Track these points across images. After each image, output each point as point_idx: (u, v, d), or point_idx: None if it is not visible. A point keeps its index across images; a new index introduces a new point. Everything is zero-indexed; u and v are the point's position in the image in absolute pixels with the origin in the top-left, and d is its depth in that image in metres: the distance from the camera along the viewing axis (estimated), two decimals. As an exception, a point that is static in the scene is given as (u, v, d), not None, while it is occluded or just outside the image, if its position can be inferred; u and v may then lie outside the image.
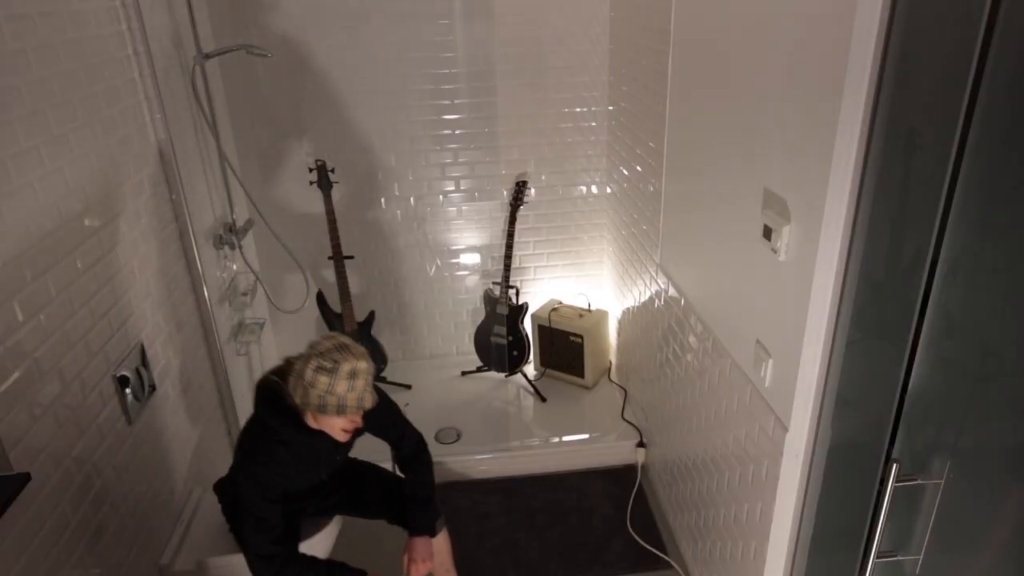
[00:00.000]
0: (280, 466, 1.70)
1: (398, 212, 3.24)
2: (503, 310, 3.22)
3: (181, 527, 2.12)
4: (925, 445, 1.16)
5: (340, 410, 1.59)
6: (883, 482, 1.16)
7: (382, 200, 3.21)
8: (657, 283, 2.47)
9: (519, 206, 3.16)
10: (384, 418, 1.90)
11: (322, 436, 1.72)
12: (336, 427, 1.66)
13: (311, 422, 1.70)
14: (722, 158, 1.74)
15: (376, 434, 1.92)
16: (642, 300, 2.73)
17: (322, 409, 1.59)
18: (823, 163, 1.25)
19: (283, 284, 3.31)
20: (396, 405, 1.96)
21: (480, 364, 3.43)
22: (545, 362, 3.38)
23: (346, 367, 1.57)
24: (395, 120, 3.05)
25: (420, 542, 1.90)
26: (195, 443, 2.33)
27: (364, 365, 1.60)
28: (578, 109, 3.10)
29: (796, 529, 1.61)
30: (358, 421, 1.67)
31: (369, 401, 1.62)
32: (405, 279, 3.39)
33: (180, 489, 2.19)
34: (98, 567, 1.68)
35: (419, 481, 1.94)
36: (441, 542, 1.96)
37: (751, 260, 1.60)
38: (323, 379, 1.57)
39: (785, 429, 1.49)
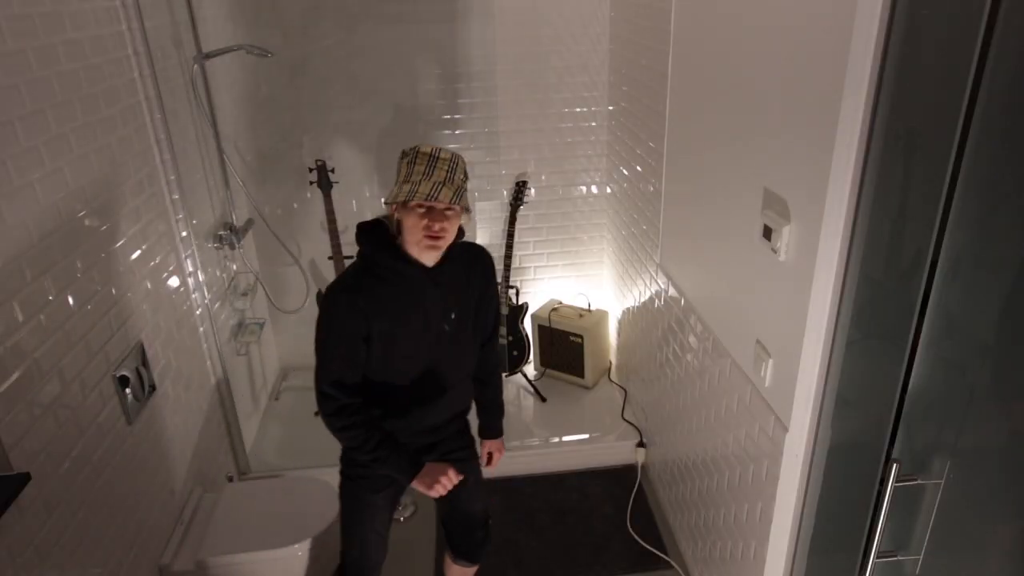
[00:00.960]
0: (369, 294, 1.55)
1: (398, 212, 3.24)
2: (503, 310, 3.22)
3: (181, 527, 2.12)
4: (925, 445, 1.16)
5: (411, 194, 1.45)
6: (883, 482, 1.16)
7: (382, 200, 3.21)
8: (657, 283, 2.47)
9: (519, 206, 3.16)
10: (487, 292, 1.75)
11: (418, 267, 1.57)
12: (417, 229, 1.49)
13: (405, 245, 1.56)
14: (722, 158, 1.74)
15: (475, 303, 1.73)
16: (642, 300, 2.73)
17: (398, 198, 1.47)
18: (823, 163, 1.25)
19: (283, 284, 3.30)
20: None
21: (480, 364, 3.43)
22: (545, 362, 3.38)
23: (425, 149, 1.49)
24: (395, 120, 3.05)
25: (498, 444, 2.01)
26: (195, 443, 2.33)
27: (447, 155, 1.50)
28: (578, 109, 3.10)
29: (796, 529, 1.61)
30: (438, 226, 1.48)
31: (445, 195, 1.45)
32: (405, 279, 3.39)
33: (180, 489, 2.19)
34: (98, 567, 1.68)
35: (497, 388, 1.95)
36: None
37: (751, 260, 1.60)
38: (403, 164, 1.50)
39: (785, 429, 1.49)
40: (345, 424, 1.59)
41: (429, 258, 1.58)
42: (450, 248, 1.60)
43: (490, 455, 2.01)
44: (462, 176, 1.52)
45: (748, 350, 1.66)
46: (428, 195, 1.44)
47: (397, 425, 1.72)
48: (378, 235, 1.59)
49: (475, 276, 1.70)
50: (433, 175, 1.47)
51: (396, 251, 1.57)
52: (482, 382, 1.90)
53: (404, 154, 1.51)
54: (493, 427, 1.99)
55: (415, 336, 1.63)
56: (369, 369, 1.63)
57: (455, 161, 1.51)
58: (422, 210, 1.49)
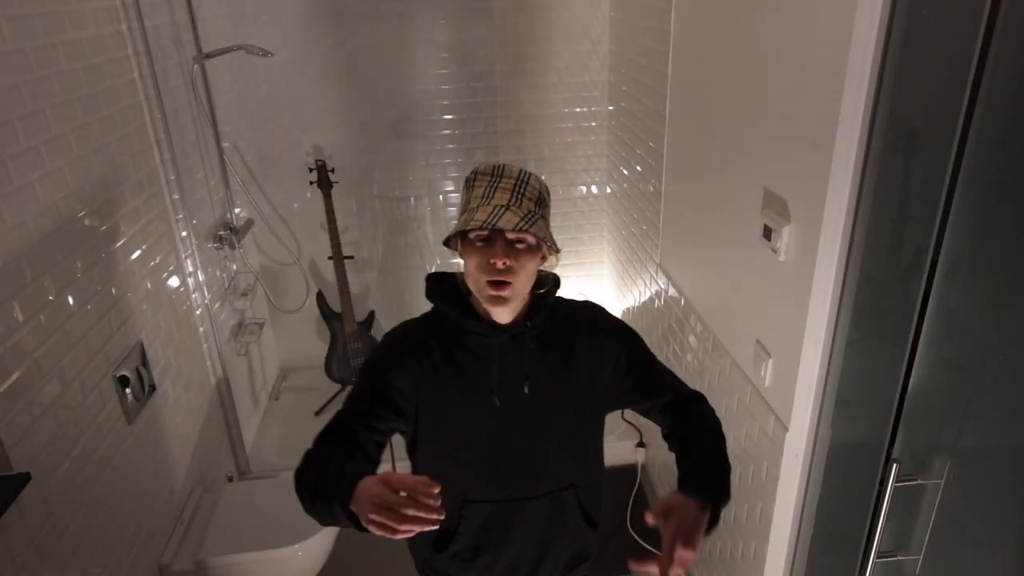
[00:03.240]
0: (425, 351, 1.20)
1: (398, 212, 3.24)
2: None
3: (181, 527, 2.12)
4: (925, 445, 1.16)
5: (466, 223, 1.08)
6: (883, 482, 1.16)
7: (382, 200, 3.21)
8: (657, 283, 2.47)
9: (519, 206, 3.16)
10: (622, 356, 1.24)
11: (486, 323, 1.18)
12: (478, 270, 1.10)
13: (475, 301, 1.19)
14: (722, 158, 1.74)
15: (586, 379, 1.22)
16: (642, 300, 2.73)
17: (453, 234, 1.14)
18: (823, 163, 1.25)
19: (283, 284, 3.30)
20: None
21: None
22: (545, 362, 3.37)
23: (486, 168, 1.14)
24: (395, 120, 3.05)
25: (693, 517, 1.01)
26: (195, 443, 2.33)
27: (513, 171, 1.13)
28: (578, 109, 3.10)
29: (796, 529, 1.61)
30: (501, 262, 1.07)
31: (509, 220, 1.06)
32: (405, 279, 3.39)
33: (180, 489, 2.19)
34: (98, 567, 1.68)
35: (709, 440, 1.20)
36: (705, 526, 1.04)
37: (751, 260, 1.60)
38: (463, 192, 1.17)
39: (785, 429, 1.49)
40: (310, 448, 1.12)
41: (499, 311, 1.16)
42: (537, 300, 1.21)
43: (674, 541, 0.97)
44: (536, 199, 1.12)
45: (748, 350, 1.66)
46: (486, 221, 1.06)
47: (466, 571, 1.28)
48: (448, 288, 1.22)
49: (582, 342, 1.23)
50: (494, 197, 1.10)
51: (465, 306, 1.19)
52: (677, 439, 1.22)
53: (466, 180, 1.17)
54: (696, 479, 1.11)
55: (467, 416, 1.19)
56: (427, 464, 1.25)
57: (524, 180, 1.12)
58: (481, 243, 1.10)
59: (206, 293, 2.46)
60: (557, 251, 1.16)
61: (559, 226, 3.34)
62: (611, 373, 1.24)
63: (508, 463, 1.22)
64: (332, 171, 2.95)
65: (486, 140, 3.13)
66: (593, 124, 3.13)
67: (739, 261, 1.68)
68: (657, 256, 2.44)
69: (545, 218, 1.14)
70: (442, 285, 1.23)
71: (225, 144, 2.84)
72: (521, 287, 1.12)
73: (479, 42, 2.95)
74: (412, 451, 1.26)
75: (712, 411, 1.26)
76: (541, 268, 1.18)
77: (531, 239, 1.10)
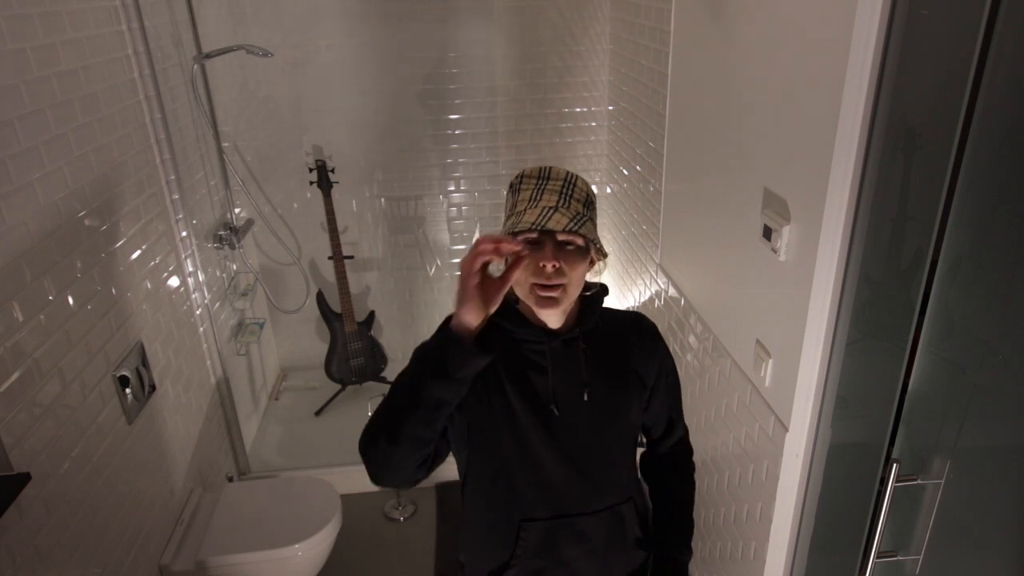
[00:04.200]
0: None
1: (398, 212, 3.24)
2: (503, 310, 3.22)
3: (181, 527, 2.12)
4: (925, 445, 1.16)
5: (514, 226, 1.05)
6: (883, 482, 1.16)
7: (382, 200, 3.21)
8: (657, 283, 2.47)
9: (519, 206, 3.16)
10: (663, 375, 1.26)
11: (538, 329, 1.15)
12: (525, 281, 1.07)
13: (524, 308, 1.16)
14: (722, 158, 1.74)
15: (633, 392, 1.22)
16: (642, 300, 2.73)
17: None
18: (823, 163, 1.25)
19: (283, 284, 3.31)
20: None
21: (480, 364, 3.42)
22: (545, 362, 3.37)
23: (532, 171, 1.12)
24: (395, 120, 3.05)
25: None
26: (195, 443, 2.33)
27: (561, 173, 1.11)
28: (578, 109, 3.10)
29: (796, 529, 1.61)
30: (551, 265, 1.04)
31: (558, 221, 1.04)
32: (405, 279, 3.39)
33: (180, 489, 2.19)
34: (98, 567, 1.68)
35: (683, 494, 1.34)
36: None
37: (751, 260, 1.60)
38: (507, 196, 1.15)
39: (785, 429, 1.49)
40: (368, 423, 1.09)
41: (550, 314, 1.13)
42: (587, 305, 1.19)
43: None
44: (584, 200, 1.11)
45: (748, 350, 1.66)
46: (535, 223, 1.04)
47: None
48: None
49: (637, 350, 1.23)
50: (542, 200, 1.08)
51: (515, 315, 1.16)
52: (660, 477, 1.34)
53: (510, 185, 1.15)
54: (664, 539, 1.28)
55: (526, 425, 1.15)
56: (485, 494, 1.22)
57: (571, 181, 1.11)
58: (529, 246, 1.06)
59: (206, 293, 2.46)
60: (605, 255, 1.14)
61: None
62: (648, 390, 1.24)
63: (567, 476, 1.18)
64: (332, 171, 2.95)
65: (486, 140, 3.13)
66: (593, 124, 3.13)
67: (739, 261, 1.68)
68: (657, 256, 2.44)
69: (593, 220, 1.12)
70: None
71: (225, 144, 2.84)
72: (573, 289, 1.09)
73: (479, 42, 2.95)
74: (465, 471, 1.22)
75: (693, 469, 1.38)
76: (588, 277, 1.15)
77: (580, 241, 1.08)
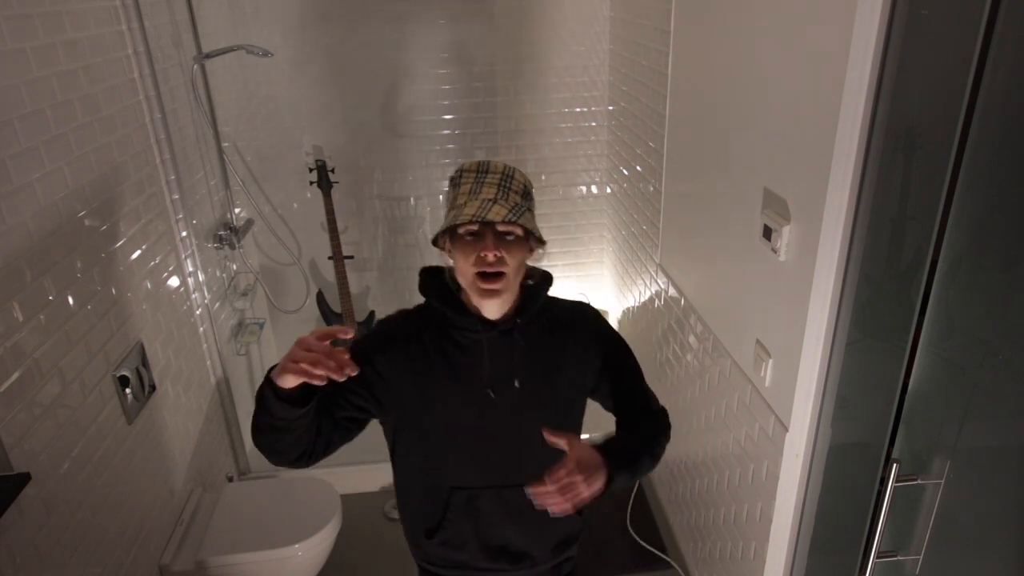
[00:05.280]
0: (408, 348, 1.23)
1: (398, 212, 3.24)
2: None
3: (181, 527, 2.12)
4: (925, 445, 1.16)
5: (455, 219, 1.10)
6: (883, 482, 1.16)
7: (382, 200, 3.21)
8: (657, 283, 2.47)
9: (519, 206, 3.16)
10: (611, 351, 1.29)
11: (476, 319, 1.20)
12: (468, 265, 1.12)
13: (465, 297, 1.22)
14: (722, 158, 1.74)
15: (572, 378, 1.27)
16: (642, 300, 2.73)
17: (446, 232, 1.15)
18: (823, 163, 1.25)
19: (283, 284, 3.30)
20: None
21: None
22: (545, 362, 3.37)
23: (471, 165, 1.17)
24: (395, 120, 3.05)
25: (594, 460, 1.08)
26: (195, 443, 2.33)
27: (499, 167, 1.16)
28: (578, 109, 3.10)
29: (796, 529, 1.61)
30: (492, 255, 1.10)
31: (497, 212, 1.09)
32: (405, 279, 3.39)
33: (180, 489, 2.19)
34: (98, 567, 1.68)
35: (649, 430, 1.27)
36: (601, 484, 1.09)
37: (751, 260, 1.60)
38: (448, 191, 1.19)
39: (785, 429, 1.49)
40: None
41: (489, 307, 1.19)
42: (528, 295, 1.24)
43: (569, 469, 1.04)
44: (522, 192, 1.16)
45: (748, 350, 1.66)
46: (475, 215, 1.08)
47: (457, 556, 1.31)
48: (439, 283, 1.25)
49: (572, 341, 1.27)
50: (481, 192, 1.12)
51: (455, 302, 1.22)
52: (632, 423, 1.31)
53: (450, 179, 1.20)
54: (610, 445, 1.17)
55: (456, 407, 1.22)
56: (418, 463, 1.29)
57: (509, 174, 1.16)
58: (470, 237, 1.12)
59: (206, 293, 2.46)
60: (543, 243, 1.19)
61: (559, 226, 3.34)
62: (595, 376, 1.29)
63: (496, 452, 1.26)
64: (332, 171, 2.95)
65: (486, 140, 3.13)
66: (593, 124, 3.13)
67: (739, 261, 1.68)
68: (657, 256, 2.44)
69: (531, 211, 1.18)
70: (434, 280, 1.26)
71: (225, 144, 2.84)
72: (513, 277, 1.15)
73: (479, 42, 2.95)
74: (394, 439, 1.29)
75: (667, 425, 1.31)
76: (528, 262, 1.21)
77: (519, 230, 1.14)
